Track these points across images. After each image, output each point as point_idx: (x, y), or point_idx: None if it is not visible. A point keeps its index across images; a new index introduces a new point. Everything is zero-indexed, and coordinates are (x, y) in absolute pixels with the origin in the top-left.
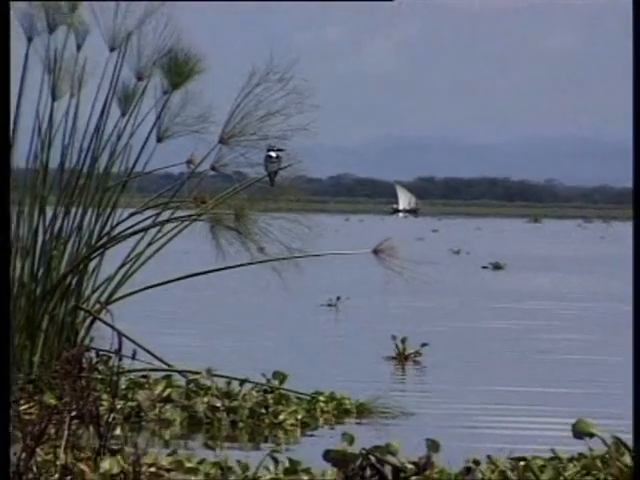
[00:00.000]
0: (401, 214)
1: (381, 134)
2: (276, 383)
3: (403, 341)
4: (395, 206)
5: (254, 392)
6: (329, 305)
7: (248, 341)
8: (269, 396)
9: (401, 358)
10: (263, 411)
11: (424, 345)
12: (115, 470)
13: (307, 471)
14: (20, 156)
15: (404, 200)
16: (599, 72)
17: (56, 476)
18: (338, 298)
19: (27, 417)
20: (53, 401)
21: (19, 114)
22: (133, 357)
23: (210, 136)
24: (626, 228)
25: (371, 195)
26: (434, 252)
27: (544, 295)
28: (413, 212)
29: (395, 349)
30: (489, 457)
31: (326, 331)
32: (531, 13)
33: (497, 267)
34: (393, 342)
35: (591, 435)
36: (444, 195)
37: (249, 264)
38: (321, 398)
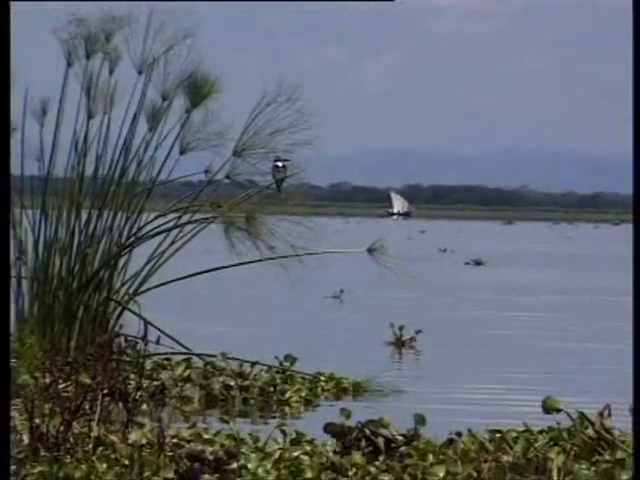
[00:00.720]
0: (395, 217)
1: (375, 146)
2: (288, 365)
3: (400, 328)
4: (390, 210)
5: (264, 373)
6: (333, 297)
7: (260, 329)
8: (277, 376)
9: (398, 343)
10: (271, 389)
11: (418, 332)
12: (142, 441)
13: (310, 442)
14: (59, 167)
15: (398, 205)
16: (566, 92)
17: (90, 446)
18: (342, 291)
19: (65, 394)
20: (87, 380)
21: (58, 130)
22: (157, 342)
23: (225, 149)
24: (589, 229)
25: (367, 200)
26: (424, 250)
27: (519, 287)
28: (406, 215)
29: (393, 335)
30: (469, 430)
31: (332, 320)
32: (507, 39)
33: (478, 263)
34: (391, 329)
35: (558, 410)
36: (429, 200)
37: (259, 261)
38: (322, 378)
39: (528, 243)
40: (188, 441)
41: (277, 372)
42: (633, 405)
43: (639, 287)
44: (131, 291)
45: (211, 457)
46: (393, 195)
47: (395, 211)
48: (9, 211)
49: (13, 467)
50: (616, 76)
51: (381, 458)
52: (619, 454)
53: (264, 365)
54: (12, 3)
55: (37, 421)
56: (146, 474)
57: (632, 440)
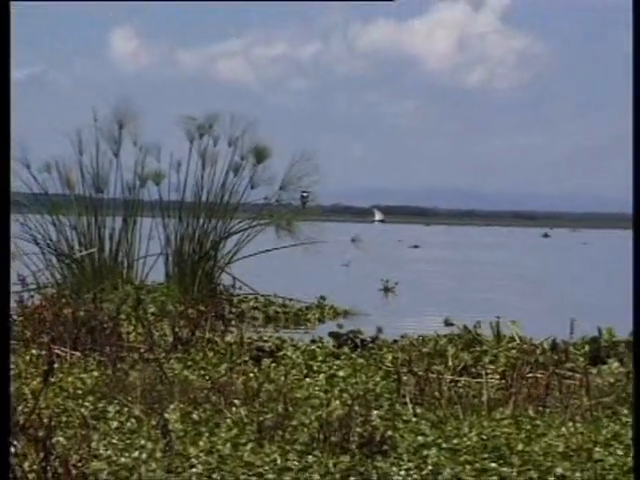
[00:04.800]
0: (375, 223)
1: (352, 184)
2: (322, 301)
3: (387, 281)
4: (372, 218)
5: (296, 305)
6: (344, 265)
7: (296, 281)
8: (303, 306)
9: (385, 290)
10: (300, 313)
11: (397, 283)
12: (232, 340)
13: (321, 341)
14: (188, 195)
15: (378, 215)
16: (447, 159)
17: (204, 343)
18: (349, 261)
19: (190, 316)
20: (203, 308)
21: (187, 177)
22: (240, 288)
23: (274, 186)
24: (469, 230)
25: (351, 214)
26: (387, 241)
27: (437, 261)
28: (382, 222)
29: (382, 285)
30: (406, 334)
31: (344, 277)
32: (423, 125)
33: (416, 247)
34: (381, 281)
35: (452, 324)
36: (384, 213)
37: (294, 245)
38: (326, 306)
39: (438, 237)
40: (256, 340)
41: (302, 302)
42: (634, 403)
43: (639, 289)
44: (226, 261)
45: (268, 349)
46: (375, 210)
47: (376, 219)
48: (9, 211)
49: (163, 354)
50: (491, 149)
51: (358, 350)
52: (484, 347)
53: (297, 300)
54: (12, 4)
55: (176, 330)
56: (233, 358)
57: (632, 434)
